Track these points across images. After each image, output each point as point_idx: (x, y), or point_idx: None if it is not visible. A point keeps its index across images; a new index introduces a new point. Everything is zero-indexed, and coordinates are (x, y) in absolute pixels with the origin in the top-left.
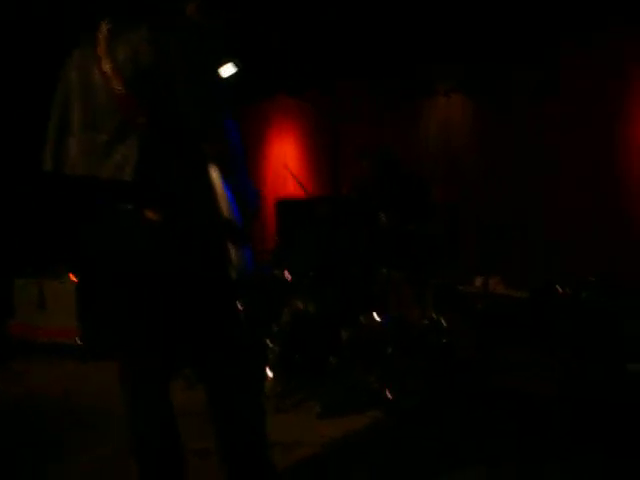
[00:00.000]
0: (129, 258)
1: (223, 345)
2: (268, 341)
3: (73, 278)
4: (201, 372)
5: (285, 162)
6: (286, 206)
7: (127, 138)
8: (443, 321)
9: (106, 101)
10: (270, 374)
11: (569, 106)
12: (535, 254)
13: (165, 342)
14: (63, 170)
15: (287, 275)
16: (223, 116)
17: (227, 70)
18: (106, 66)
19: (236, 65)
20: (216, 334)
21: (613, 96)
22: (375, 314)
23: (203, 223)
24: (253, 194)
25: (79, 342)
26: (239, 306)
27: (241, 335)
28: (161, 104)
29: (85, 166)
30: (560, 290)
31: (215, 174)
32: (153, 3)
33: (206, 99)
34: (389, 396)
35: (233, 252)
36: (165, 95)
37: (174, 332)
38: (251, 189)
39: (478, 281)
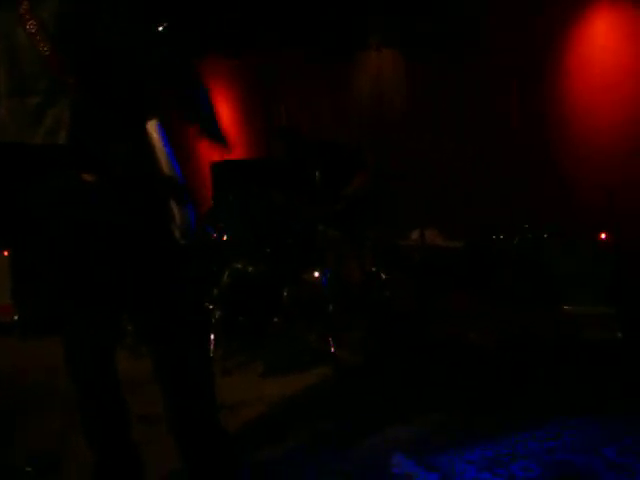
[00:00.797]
0: (67, 222)
1: (169, 307)
2: (209, 304)
3: (5, 253)
4: (147, 336)
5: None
6: (221, 167)
7: (58, 100)
8: (382, 275)
9: (33, 63)
10: (212, 337)
11: (493, 56)
12: (470, 207)
13: (108, 306)
14: None
15: (224, 237)
16: (168, 56)
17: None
18: (31, 26)
19: (164, 28)
20: (161, 295)
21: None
22: (315, 272)
23: (142, 181)
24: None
25: (16, 319)
26: (184, 268)
27: (187, 296)
28: (91, 62)
29: (15, 131)
30: (494, 238)
31: (154, 132)
32: None
33: (143, 43)
34: (332, 352)
35: (176, 211)
36: (95, 52)
37: (117, 295)
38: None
39: (415, 234)
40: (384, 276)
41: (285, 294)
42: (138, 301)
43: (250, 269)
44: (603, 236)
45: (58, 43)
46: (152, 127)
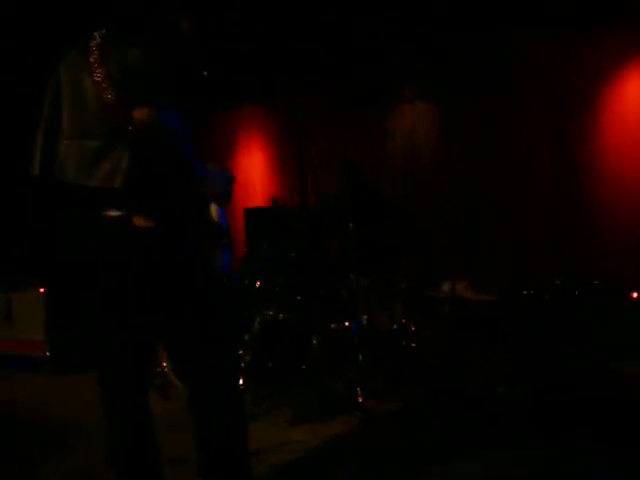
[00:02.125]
0: (115, 264)
1: (206, 346)
2: (240, 349)
3: (42, 290)
4: (184, 375)
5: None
6: (254, 214)
7: (118, 145)
8: (412, 325)
9: (97, 108)
10: (241, 382)
11: (527, 110)
12: (501, 259)
13: (145, 344)
14: (51, 175)
15: (257, 283)
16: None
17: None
18: (98, 74)
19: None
20: (199, 335)
21: (576, 96)
22: (345, 320)
23: (192, 228)
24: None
25: (48, 354)
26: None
27: (226, 339)
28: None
29: (74, 172)
30: (524, 293)
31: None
32: (146, 17)
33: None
34: (360, 401)
35: (216, 253)
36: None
37: (154, 334)
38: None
39: (445, 286)
40: (414, 327)
41: (314, 342)
42: (176, 339)
43: (281, 316)
44: (635, 295)
45: (121, 92)
46: None
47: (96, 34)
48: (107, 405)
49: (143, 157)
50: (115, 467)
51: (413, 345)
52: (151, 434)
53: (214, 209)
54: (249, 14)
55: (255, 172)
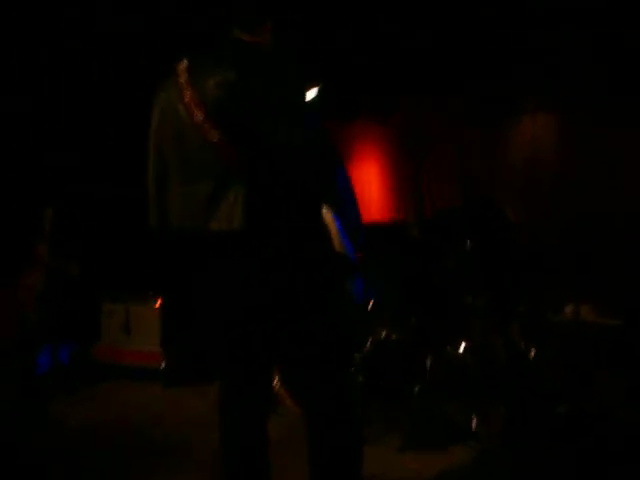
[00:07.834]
0: (238, 287)
1: (326, 373)
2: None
3: (158, 303)
4: (299, 393)
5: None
6: (370, 231)
7: (231, 186)
8: (531, 350)
9: (203, 150)
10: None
11: None
12: (630, 281)
13: (264, 366)
14: (169, 222)
15: (370, 303)
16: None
17: (309, 94)
18: (198, 115)
19: (319, 89)
20: (319, 361)
21: None
22: (460, 343)
23: (315, 257)
24: (362, 232)
25: (163, 366)
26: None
27: (344, 363)
28: (255, 147)
29: (191, 218)
30: None
31: (327, 214)
32: (233, 39)
33: (303, 133)
34: (474, 428)
35: (347, 284)
36: (258, 136)
37: (275, 357)
38: (361, 228)
39: (569, 309)
40: (532, 352)
41: (428, 364)
42: (293, 354)
43: (394, 336)
44: None
45: (224, 130)
46: (325, 210)
47: (184, 58)
48: (225, 422)
49: (259, 195)
50: None
51: (531, 370)
52: (265, 454)
53: (337, 241)
54: (366, 31)
55: (371, 186)
